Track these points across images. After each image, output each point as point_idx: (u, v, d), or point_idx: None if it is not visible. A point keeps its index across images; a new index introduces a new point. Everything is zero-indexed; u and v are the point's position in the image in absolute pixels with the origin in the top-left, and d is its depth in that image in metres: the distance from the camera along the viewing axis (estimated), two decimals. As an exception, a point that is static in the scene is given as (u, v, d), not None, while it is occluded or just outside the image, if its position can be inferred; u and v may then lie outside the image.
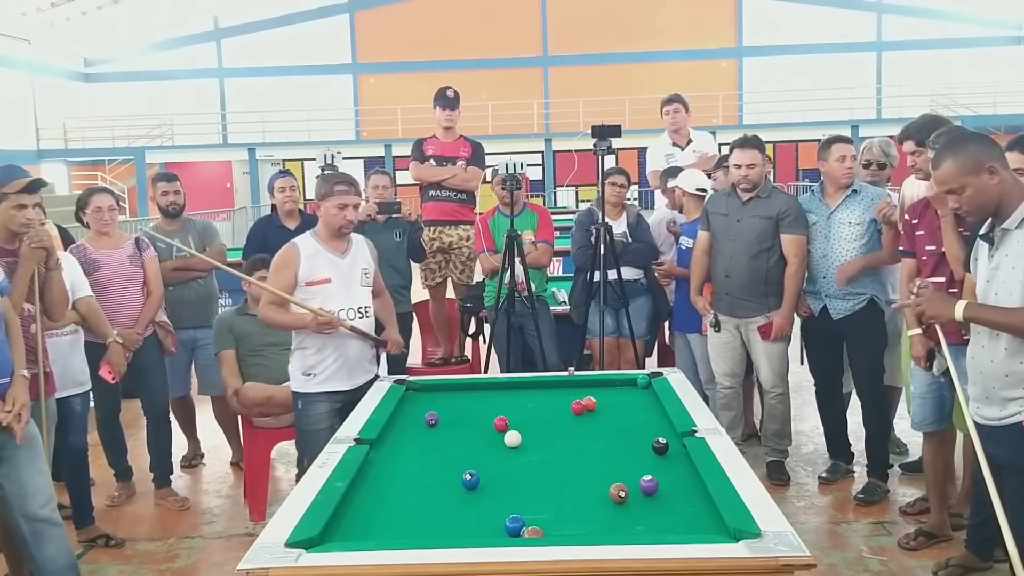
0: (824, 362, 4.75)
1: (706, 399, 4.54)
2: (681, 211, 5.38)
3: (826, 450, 4.92)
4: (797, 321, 4.77)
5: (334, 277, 3.79)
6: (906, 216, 3.95)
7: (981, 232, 2.92)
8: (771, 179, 4.98)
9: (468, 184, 5.80)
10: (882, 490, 4.50)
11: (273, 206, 5.49)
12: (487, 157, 5.97)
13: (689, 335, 5.21)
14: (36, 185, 3.53)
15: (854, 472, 4.81)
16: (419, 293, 5.99)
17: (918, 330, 3.77)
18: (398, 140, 25.89)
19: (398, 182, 5.86)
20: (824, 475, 4.76)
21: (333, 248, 3.83)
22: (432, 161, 5.82)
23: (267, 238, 5.27)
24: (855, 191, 4.48)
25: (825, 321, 4.58)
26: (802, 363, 5.14)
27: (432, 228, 5.79)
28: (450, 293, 6.20)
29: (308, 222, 5.48)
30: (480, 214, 5.68)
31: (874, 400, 4.60)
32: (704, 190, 5.18)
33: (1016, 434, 2.79)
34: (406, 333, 5.58)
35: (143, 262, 4.61)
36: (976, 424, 2.92)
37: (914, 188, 4.26)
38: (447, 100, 5.79)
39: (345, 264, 3.84)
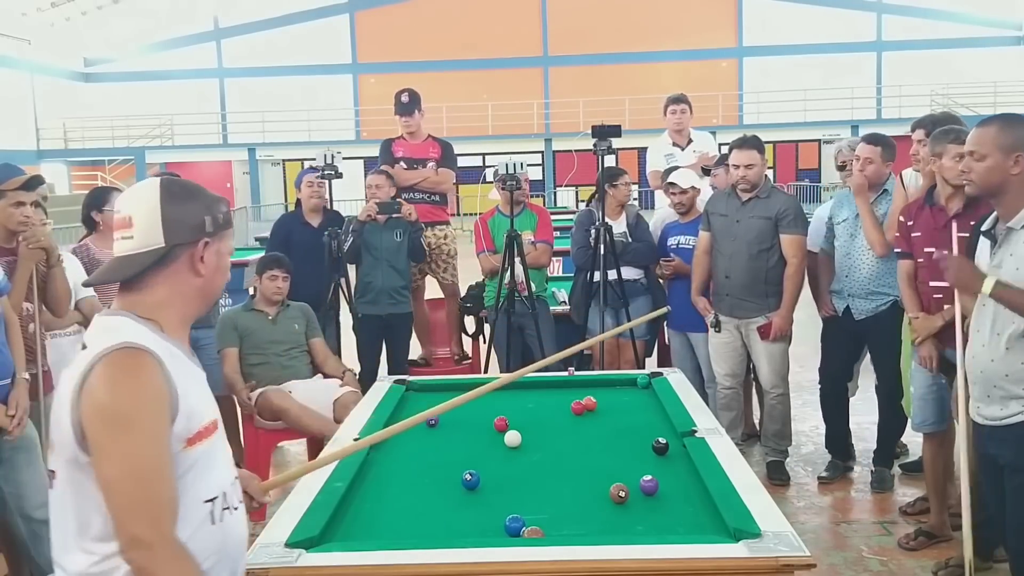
0: (836, 362, 4.73)
1: (705, 399, 4.53)
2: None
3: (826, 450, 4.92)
4: (807, 323, 4.75)
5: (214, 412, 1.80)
6: (901, 218, 3.95)
7: (984, 228, 2.90)
8: (770, 179, 4.98)
9: (440, 186, 5.84)
10: (891, 476, 4.59)
11: (298, 202, 5.53)
12: (487, 157, 6.00)
13: (691, 335, 5.19)
14: (34, 182, 3.50)
15: (852, 470, 4.82)
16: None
17: (920, 314, 3.79)
18: (398, 140, 25.88)
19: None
20: (823, 475, 4.76)
21: (183, 342, 1.78)
22: (402, 163, 5.83)
23: (291, 234, 5.34)
24: (886, 191, 4.42)
25: (847, 322, 4.54)
26: None
27: None
28: (437, 293, 6.22)
29: (331, 220, 5.46)
30: (480, 214, 5.69)
31: (894, 399, 4.60)
32: (696, 188, 5.19)
33: (1018, 434, 2.77)
34: (406, 333, 5.60)
35: None
36: (976, 424, 2.91)
37: (911, 177, 4.27)
38: (402, 107, 5.84)
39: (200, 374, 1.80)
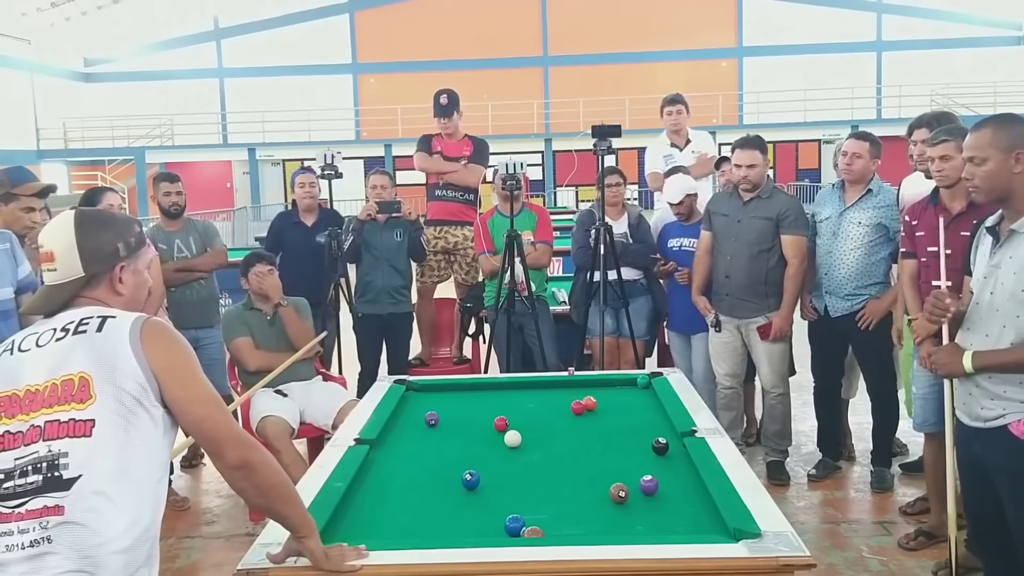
0: (824, 361, 4.75)
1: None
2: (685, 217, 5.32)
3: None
4: (799, 323, 4.77)
5: None
6: (906, 217, 3.95)
7: (988, 224, 2.85)
8: (772, 179, 4.98)
9: (467, 180, 5.83)
10: (891, 476, 4.59)
11: (294, 202, 5.63)
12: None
13: (693, 336, 5.17)
14: (47, 192, 3.61)
15: (841, 469, 4.84)
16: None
17: (917, 315, 3.79)
18: (398, 140, 25.90)
19: (399, 182, 5.89)
20: (812, 472, 4.77)
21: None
22: (439, 157, 5.89)
23: (283, 233, 5.40)
24: (871, 191, 4.44)
25: (828, 320, 4.58)
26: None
27: (437, 228, 5.82)
28: (449, 293, 6.21)
29: (327, 218, 5.52)
30: (479, 214, 5.69)
31: (885, 397, 4.61)
32: (691, 195, 5.17)
33: (1003, 436, 2.72)
34: (406, 333, 5.60)
35: None
36: (963, 425, 2.89)
37: (915, 188, 4.26)
38: (440, 109, 5.87)
39: None
